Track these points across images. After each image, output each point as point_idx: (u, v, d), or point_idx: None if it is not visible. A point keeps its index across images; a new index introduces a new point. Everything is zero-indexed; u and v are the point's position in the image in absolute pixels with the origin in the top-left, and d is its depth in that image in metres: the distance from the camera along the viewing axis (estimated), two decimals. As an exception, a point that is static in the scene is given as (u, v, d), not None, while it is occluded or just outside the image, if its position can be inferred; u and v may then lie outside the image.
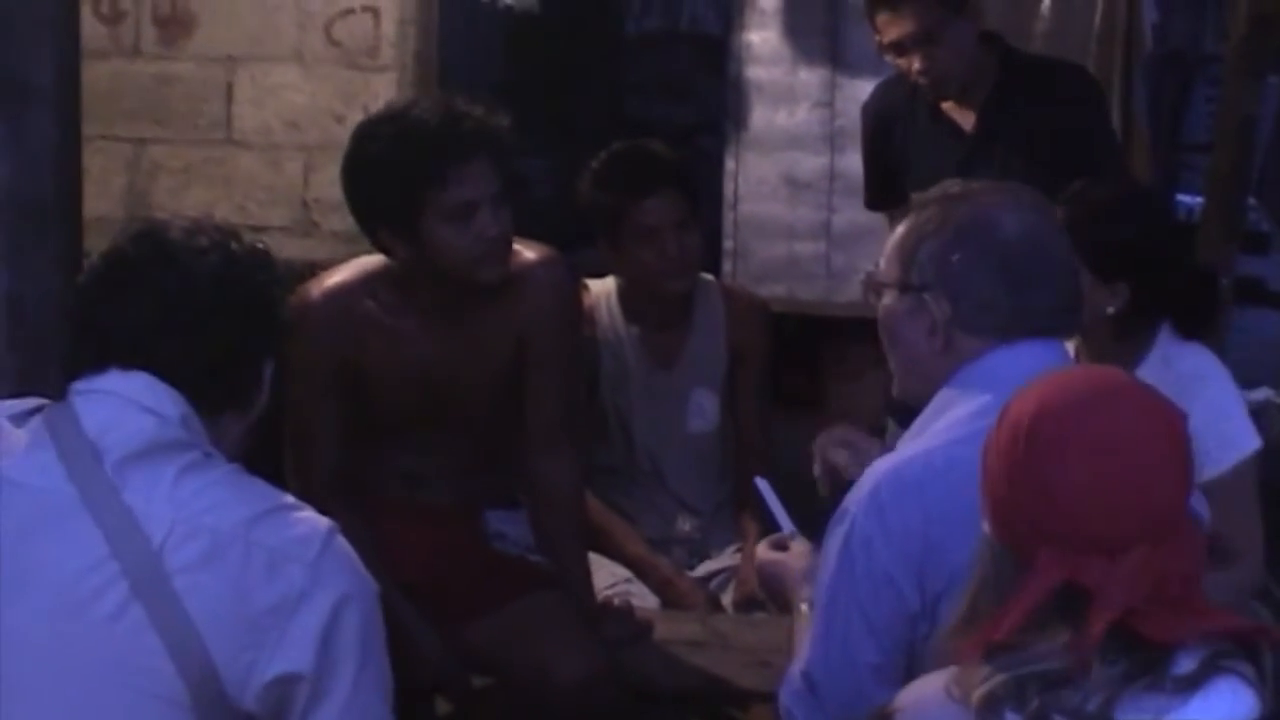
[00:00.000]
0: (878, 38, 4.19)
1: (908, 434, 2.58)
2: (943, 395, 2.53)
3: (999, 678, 1.83)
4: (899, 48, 4.11)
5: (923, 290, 2.52)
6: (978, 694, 1.84)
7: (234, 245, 2.26)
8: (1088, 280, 3.25)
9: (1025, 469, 1.91)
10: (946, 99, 4.21)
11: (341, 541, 2.16)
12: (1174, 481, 1.88)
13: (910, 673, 2.43)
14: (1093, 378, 2.04)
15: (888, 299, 2.59)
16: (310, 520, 2.16)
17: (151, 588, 2.03)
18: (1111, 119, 4.54)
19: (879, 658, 2.44)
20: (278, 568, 2.08)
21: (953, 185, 2.61)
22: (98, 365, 2.17)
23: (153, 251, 2.21)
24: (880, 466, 2.49)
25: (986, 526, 1.97)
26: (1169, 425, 1.91)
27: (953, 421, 2.47)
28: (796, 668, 2.55)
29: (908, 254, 2.55)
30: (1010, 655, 1.85)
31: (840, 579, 2.47)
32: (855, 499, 2.47)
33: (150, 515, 2.06)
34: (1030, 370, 2.41)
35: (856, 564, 2.44)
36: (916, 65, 4.11)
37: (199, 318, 2.18)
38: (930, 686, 1.95)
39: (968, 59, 4.15)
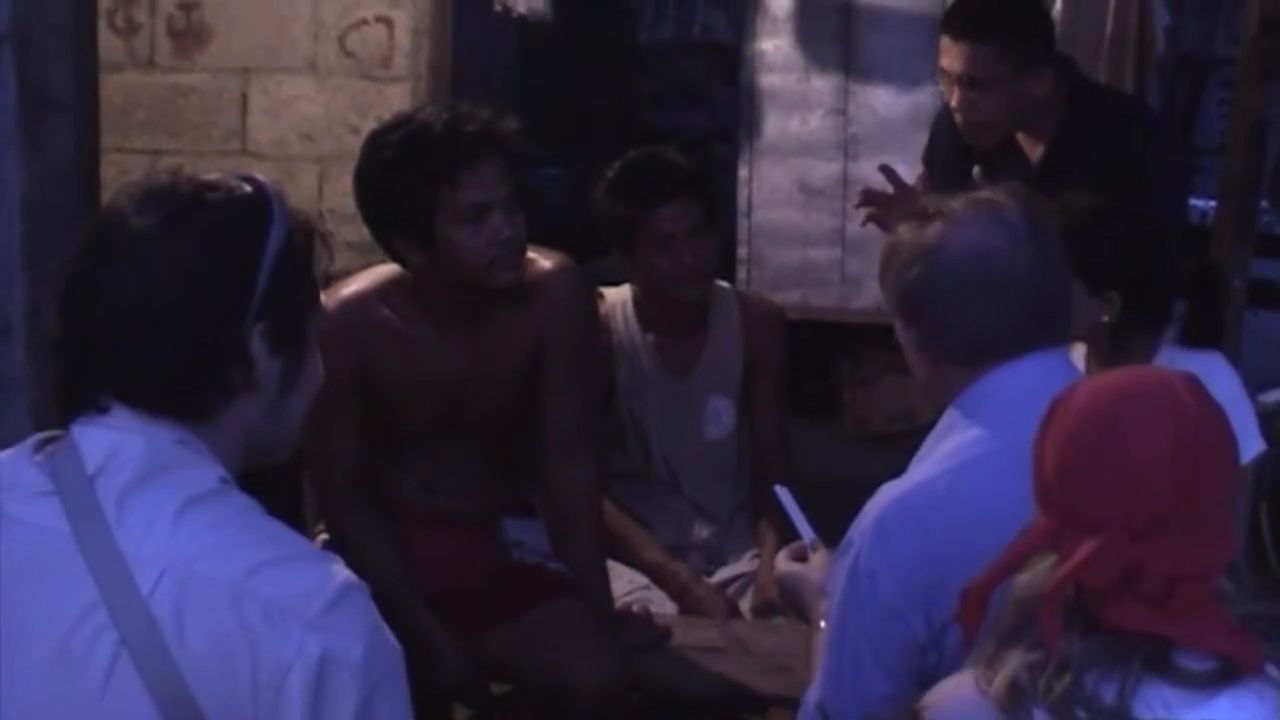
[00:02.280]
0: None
1: (916, 456, 2.57)
2: (947, 417, 2.54)
3: (1016, 664, 1.86)
4: (946, 75, 4.01)
5: (895, 318, 2.56)
6: (997, 683, 1.86)
7: (186, 210, 2.04)
8: (1079, 291, 3.27)
9: (1040, 442, 1.96)
10: (978, 145, 4.07)
11: (357, 600, 1.97)
12: (1165, 486, 1.87)
13: None
14: (1144, 375, 2.04)
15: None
16: (321, 574, 1.97)
17: (140, 638, 1.90)
18: (1174, 161, 4.33)
19: (890, 688, 2.44)
20: (275, 623, 1.90)
21: (928, 203, 2.59)
22: (79, 406, 2.03)
23: (96, 263, 2.03)
24: (884, 496, 2.48)
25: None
26: (1180, 434, 1.89)
27: (955, 447, 2.47)
28: (811, 697, 2.55)
29: (881, 280, 2.58)
30: (1023, 643, 1.87)
31: (847, 610, 2.47)
32: (860, 530, 2.47)
33: (141, 559, 1.91)
34: (1033, 387, 2.43)
35: (863, 595, 2.45)
36: (954, 102, 4.01)
37: (151, 329, 1.99)
38: (959, 684, 1.96)
39: (1012, 116, 4.01)
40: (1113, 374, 2.03)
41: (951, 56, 3.96)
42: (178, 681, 1.90)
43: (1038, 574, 1.91)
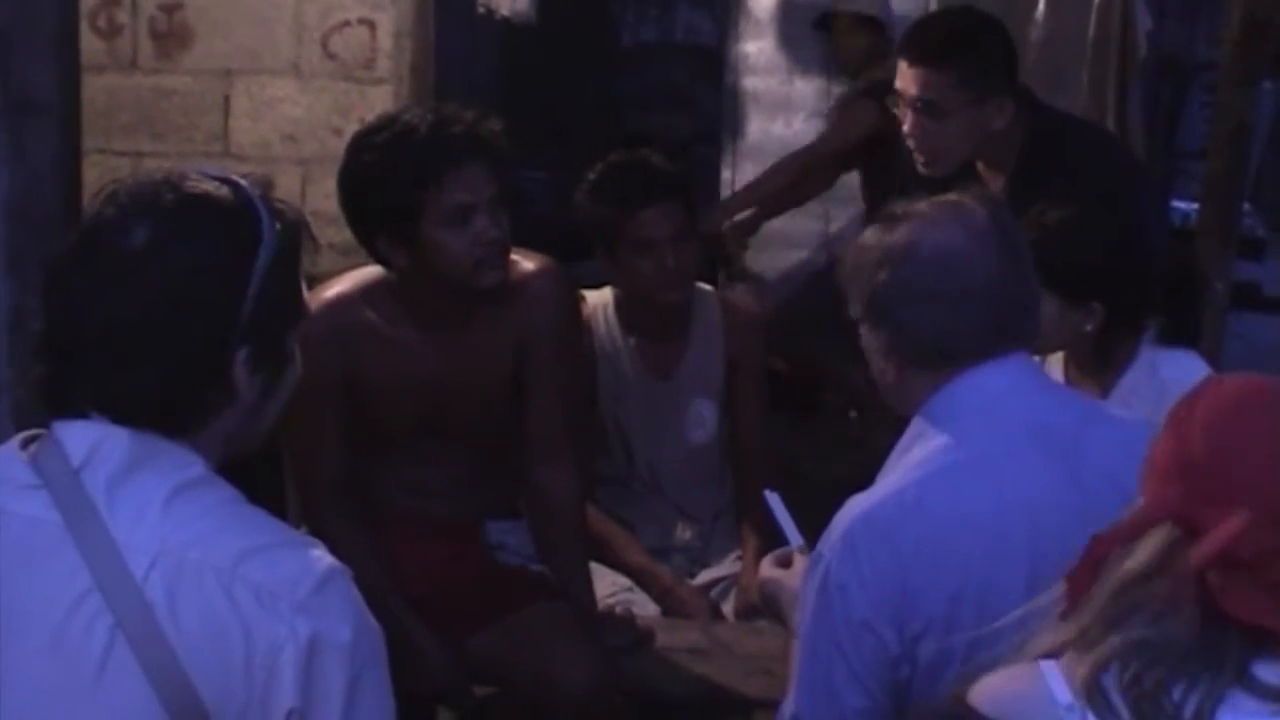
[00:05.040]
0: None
1: (885, 467, 2.56)
2: (914, 426, 2.53)
3: (1105, 647, 1.82)
4: (902, 98, 3.87)
5: (862, 322, 2.54)
6: (1083, 670, 1.81)
7: (174, 228, 2.01)
8: (1057, 302, 3.26)
9: (1188, 417, 1.90)
10: (932, 174, 3.88)
11: (342, 584, 2.02)
12: None
13: (900, 714, 2.43)
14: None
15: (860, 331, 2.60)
16: (307, 558, 2.02)
17: (135, 622, 1.93)
18: (1139, 187, 4.20)
19: (864, 701, 2.43)
20: (266, 606, 1.95)
21: (895, 208, 2.58)
22: (60, 411, 2.04)
23: (80, 276, 2.02)
24: (852, 509, 2.47)
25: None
26: None
27: (922, 457, 2.46)
28: (786, 710, 2.54)
29: (849, 284, 2.56)
30: (1115, 629, 1.83)
31: (819, 625, 2.46)
32: (829, 543, 2.45)
33: (133, 546, 1.95)
34: (999, 394, 2.43)
35: (834, 610, 2.43)
36: (907, 127, 3.89)
37: (133, 351, 1.99)
38: (1018, 675, 1.90)
39: (968, 146, 3.89)
40: (1251, 379, 1.97)
41: (907, 80, 3.84)
42: (174, 664, 1.93)
43: (1154, 552, 1.85)
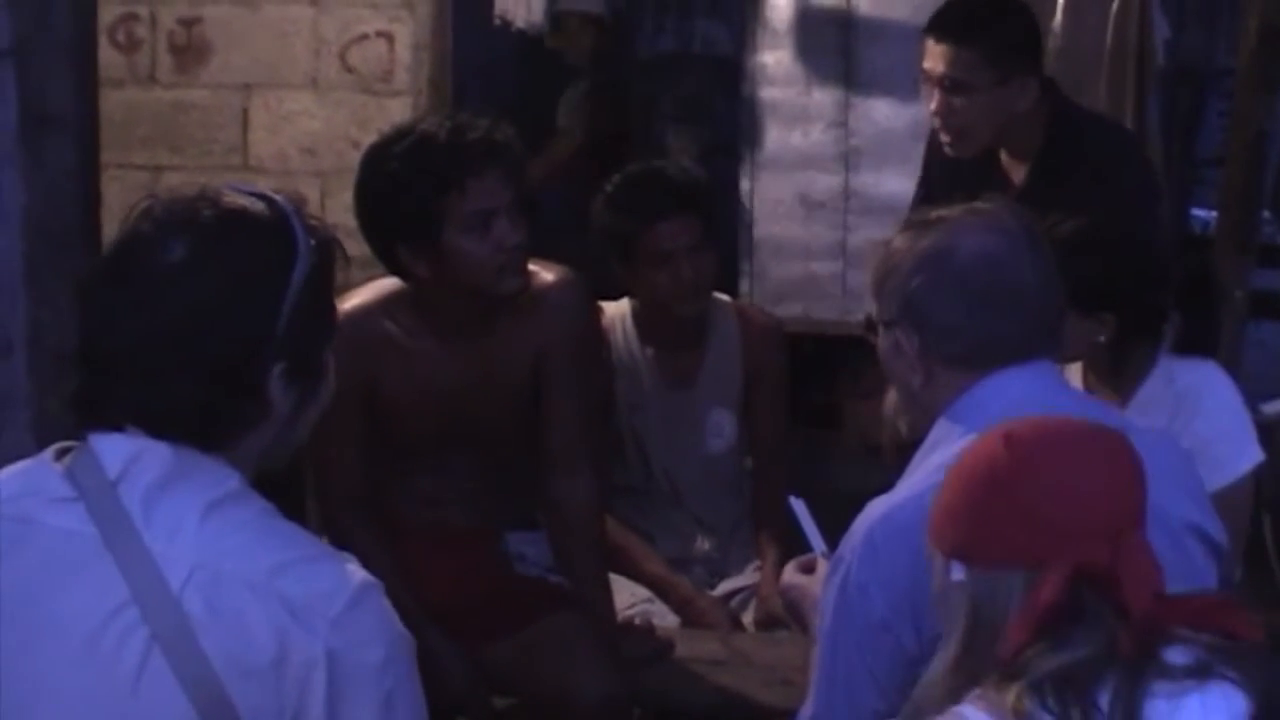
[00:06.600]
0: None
1: (908, 469, 2.56)
2: (935, 430, 2.52)
3: (1021, 684, 1.85)
4: (929, 78, 3.93)
5: (893, 324, 2.53)
6: (1010, 699, 1.85)
7: (210, 244, 2.03)
8: (1070, 313, 3.26)
9: (1017, 477, 1.97)
10: (958, 155, 3.98)
11: (376, 599, 2.04)
12: (1140, 481, 1.98)
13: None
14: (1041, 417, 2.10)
15: (879, 337, 2.59)
16: (342, 573, 2.03)
17: (171, 634, 1.95)
18: (1154, 184, 4.25)
19: (883, 704, 2.42)
20: (301, 620, 1.97)
21: (923, 213, 2.60)
22: (94, 423, 2.06)
23: (117, 291, 2.04)
24: (873, 511, 2.47)
25: (962, 571, 2.01)
26: (1120, 441, 2.02)
27: (944, 460, 2.45)
28: (804, 713, 2.54)
29: (879, 288, 2.56)
30: (1032, 662, 1.86)
31: (839, 626, 2.46)
32: (850, 545, 2.45)
33: (170, 558, 1.97)
34: (1018, 398, 2.43)
35: (854, 611, 2.43)
36: (934, 106, 3.94)
37: (169, 365, 2.01)
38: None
39: (993, 126, 3.92)
40: (1030, 421, 2.07)
41: (934, 58, 3.89)
42: (210, 676, 1.95)
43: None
